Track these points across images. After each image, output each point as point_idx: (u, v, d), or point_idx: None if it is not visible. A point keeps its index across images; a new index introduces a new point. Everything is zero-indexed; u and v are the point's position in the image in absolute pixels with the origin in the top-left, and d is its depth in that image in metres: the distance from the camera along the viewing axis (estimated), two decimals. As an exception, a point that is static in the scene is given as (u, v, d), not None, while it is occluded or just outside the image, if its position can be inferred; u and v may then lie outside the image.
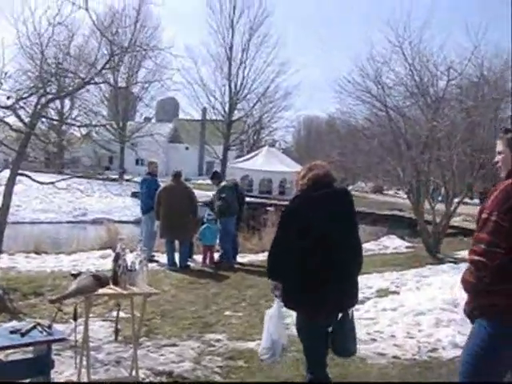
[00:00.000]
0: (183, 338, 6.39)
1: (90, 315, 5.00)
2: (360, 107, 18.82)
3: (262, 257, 11.55)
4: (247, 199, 14.07)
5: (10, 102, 8.26)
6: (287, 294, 4.75)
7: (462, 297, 3.64)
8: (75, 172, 12.83)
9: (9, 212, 8.57)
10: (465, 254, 11.01)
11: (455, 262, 11.96)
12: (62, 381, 4.85)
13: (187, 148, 62.33)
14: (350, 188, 42.07)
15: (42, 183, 9.71)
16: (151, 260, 10.78)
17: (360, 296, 8.11)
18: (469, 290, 3.50)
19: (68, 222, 27.91)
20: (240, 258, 11.94)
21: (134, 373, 4.93)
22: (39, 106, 8.51)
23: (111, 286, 4.69)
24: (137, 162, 52.75)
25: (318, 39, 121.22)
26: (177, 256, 11.02)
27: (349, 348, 4.85)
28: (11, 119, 8.70)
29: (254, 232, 15.77)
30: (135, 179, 34.74)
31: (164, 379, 5.10)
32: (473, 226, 7.11)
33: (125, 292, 4.68)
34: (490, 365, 3.46)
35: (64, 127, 13.14)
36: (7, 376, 4.30)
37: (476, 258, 3.40)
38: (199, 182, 38.07)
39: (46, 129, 12.46)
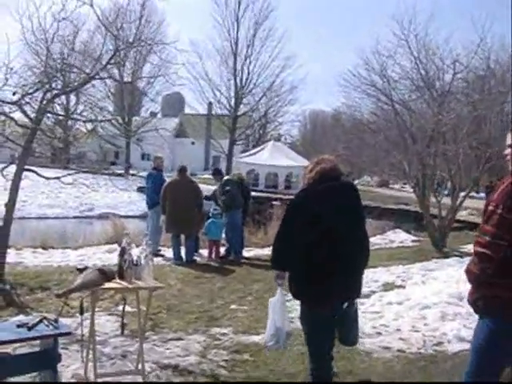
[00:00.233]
0: (189, 331, 6.41)
1: (97, 309, 5.05)
2: (365, 101, 18.83)
3: (268, 251, 11.55)
4: (253, 194, 14.09)
5: (15, 98, 8.28)
6: (292, 283, 4.81)
7: (468, 290, 3.68)
8: (81, 167, 12.81)
9: (15, 207, 8.60)
10: (471, 247, 10.97)
11: (461, 256, 11.96)
12: (68, 374, 4.88)
13: (193, 143, 62.35)
14: (355, 182, 42.04)
15: (48, 178, 9.74)
16: (157, 254, 10.82)
17: (366, 290, 8.24)
18: (472, 281, 3.54)
19: (74, 217, 28.00)
20: (246, 252, 11.96)
21: (139, 366, 4.95)
22: (45, 102, 8.52)
23: (117, 280, 4.72)
24: (142, 156, 52.87)
25: (323, 33, 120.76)
26: (183, 250, 11.05)
27: (351, 338, 4.94)
28: (17, 115, 8.71)
29: (259, 226, 15.79)
30: (141, 174, 34.84)
31: (170, 373, 5.12)
32: (479, 219, 7.09)
33: (130, 286, 4.69)
34: (492, 360, 3.50)
35: (70, 122, 13.16)
36: (15, 369, 4.36)
37: (480, 249, 3.45)
38: (205, 176, 38.05)
39: (52, 124, 12.45)
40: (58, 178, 9.75)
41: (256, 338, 6.07)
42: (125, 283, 4.69)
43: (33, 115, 8.55)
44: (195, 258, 11.20)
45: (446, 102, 15.14)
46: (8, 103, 8.33)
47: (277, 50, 53.75)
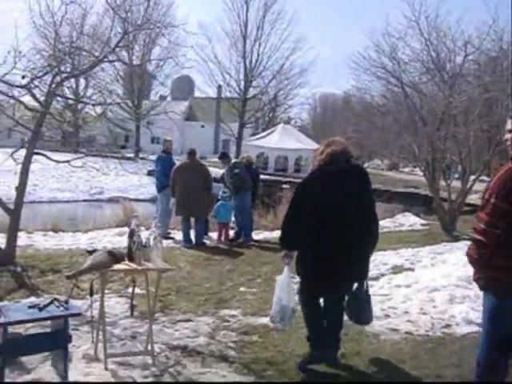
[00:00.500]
0: (198, 313, 6.46)
1: (106, 291, 5.10)
2: (375, 84, 18.71)
3: (277, 234, 11.49)
4: (262, 177, 14.09)
5: (24, 82, 8.30)
6: (299, 264, 4.97)
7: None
8: (91, 151, 12.87)
9: (26, 191, 8.66)
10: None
11: (471, 240, 11.90)
12: (79, 354, 4.94)
13: (203, 126, 62.29)
14: (365, 165, 41.92)
15: (57, 162, 9.79)
16: (167, 237, 10.88)
17: (374, 272, 8.27)
18: (473, 264, 3.76)
19: (84, 201, 28.15)
20: (255, 235, 11.99)
21: (149, 347, 5.01)
22: (54, 85, 8.54)
23: (126, 262, 4.75)
24: (152, 140, 52.86)
25: (333, 15, 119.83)
26: (192, 233, 11.10)
27: (364, 318, 5.25)
28: (26, 98, 8.73)
29: (268, 209, 15.79)
30: (150, 157, 34.89)
31: (179, 353, 5.17)
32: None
33: (139, 268, 4.73)
34: (501, 325, 3.69)
35: (79, 106, 13.19)
36: (27, 349, 4.42)
37: (477, 236, 3.67)
38: (214, 159, 37.96)
39: (62, 108, 12.49)
40: (67, 161, 9.80)
41: (265, 320, 6.09)
42: (134, 265, 4.72)
43: (42, 99, 8.57)
44: (205, 240, 11.24)
45: (457, 84, 15.01)
46: (17, 87, 8.36)
47: (286, 32, 53.60)
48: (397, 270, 8.93)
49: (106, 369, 4.66)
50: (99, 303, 4.83)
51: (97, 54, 8.95)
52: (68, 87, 10.15)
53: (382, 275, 8.52)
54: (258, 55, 54.13)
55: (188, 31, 10.98)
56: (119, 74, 49.35)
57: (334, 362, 5.02)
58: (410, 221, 16.43)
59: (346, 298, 5.17)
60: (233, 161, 11.96)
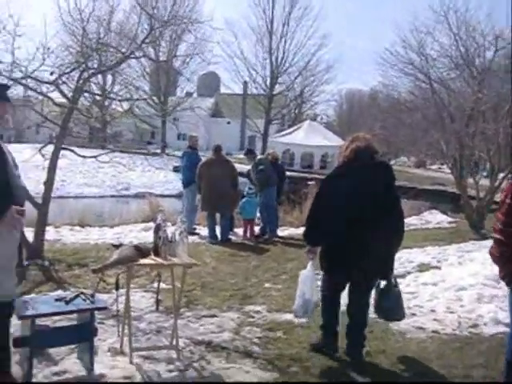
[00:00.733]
0: (223, 309, 6.47)
1: (132, 286, 5.13)
2: (403, 80, 18.55)
3: (302, 230, 11.53)
4: (288, 173, 14.06)
5: (52, 78, 8.39)
6: (322, 259, 5.06)
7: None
8: (117, 146, 12.96)
9: (54, 186, 8.75)
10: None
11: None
12: (105, 347, 4.98)
13: (229, 122, 62.36)
14: (392, 162, 41.55)
15: (85, 157, 9.89)
16: (192, 233, 10.92)
17: (401, 270, 8.21)
18: (496, 262, 3.90)
19: (111, 196, 28.40)
20: (280, 232, 11.97)
21: (174, 342, 5.02)
22: (81, 81, 8.62)
23: (152, 257, 4.77)
24: (178, 136, 53.10)
25: (360, 11, 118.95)
26: (218, 229, 11.12)
27: (394, 315, 5.32)
28: (54, 94, 8.83)
29: (294, 206, 15.75)
30: (176, 153, 35.06)
31: (203, 349, 5.17)
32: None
33: (165, 262, 4.74)
34: None
35: (106, 102, 13.32)
36: (54, 341, 4.50)
37: (496, 235, 3.79)
38: (240, 156, 38.01)
39: (89, 104, 12.61)
40: (94, 156, 9.90)
41: (289, 316, 6.08)
42: (160, 260, 4.73)
43: (70, 95, 8.65)
44: (230, 236, 11.25)
45: (487, 79, 14.79)
46: (46, 83, 8.44)
47: (312, 28, 53.38)
48: (423, 267, 8.84)
49: (131, 362, 4.69)
50: (125, 297, 4.86)
51: (123, 50, 9.00)
52: (95, 83, 10.24)
53: (409, 273, 8.45)
54: (284, 51, 54.02)
55: (214, 27, 11.01)
56: (145, 71, 49.62)
57: (333, 352, 5.13)
58: (436, 218, 16.27)
59: (374, 295, 5.18)
60: (258, 157, 11.96)
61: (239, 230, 11.86)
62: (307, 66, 53.96)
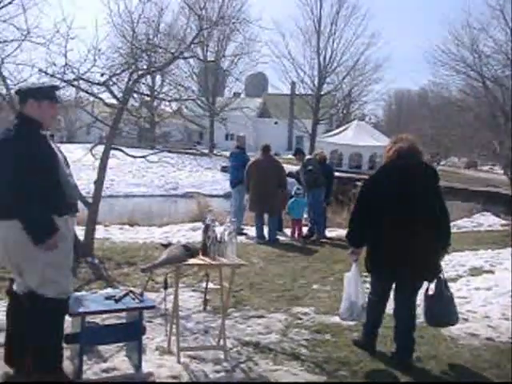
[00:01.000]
0: (271, 310, 6.42)
1: (180, 285, 5.13)
2: (454, 78, 18.14)
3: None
4: (336, 174, 13.94)
5: (103, 79, 8.52)
6: (367, 259, 5.04)
7: None
8: (166, 147, 13.11)
9: (104, 185, 8.88)
10: None
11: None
12: (153, 346, 5.00)
13: (276, 123, 62.28)
14: (441, 163, 40.84)
15: (134, 157, 10.01)
16: (240, 233, 10.92)
17: (452, 274, 8.03)
18: None
19: (159, 196, 28.66)
20: (328, 233, 11.87)
21: (221, 342, 5.01)
22: (131, 82, 8.72)
23: (200, 257, 4.76)
24: (226, 137, 53.30)
25: (409, 8, 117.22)
26: (265, 229, 11.09)
27: (446, 319, 5.21)
28: (104, 95, 8.97)
29: (342, 206, 15.61)
30: (224, 153, 35.25)
31: (251, 349, 5.14)
32: None
33: (214, 262, 4.73)
34: None
35: (155, 102, 13.48)
36: (103, 338, 4.54)
37: None
38: (288, 156, 38.03)
39: (138, 105, 12.77)
40: (144, 156, 10.01)
41: (337, 319, 5.98)
42: (208, 260, 4.72)
43: (119, 95, 8.76)
44: (278, 237, 11.21)
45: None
46: (97, 84, 8.57)
47: (361, 27, 52.69)
48: (475, 271, 8.61)
49: (179, 362, 4.68)
50: (173, 297, 4.86)
51: (173, 50, 9.07)
52: (144, 84, 10.34)
53: (460, 277, 8.25)
54: (332, 51, 53.46)
55: (263, 27, 11.01)
56: (194, 72, 50.08)
57: (370, 352, 5.12)
58: (489, 221, 15.85)
59: (424, 301, 5.08)
60: (306, 157, 11.89)
61: (287, 231, 11.81)
62: (355, 65, 53.32)
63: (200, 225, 11.67)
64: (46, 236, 3.76)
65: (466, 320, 6.27)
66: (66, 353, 4.30)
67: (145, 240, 10.51)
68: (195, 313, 6.05)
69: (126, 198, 25.50)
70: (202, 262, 4.74)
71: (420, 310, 5.21)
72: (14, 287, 4.06)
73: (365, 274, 5.44)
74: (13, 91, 7.22)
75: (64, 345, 4.16)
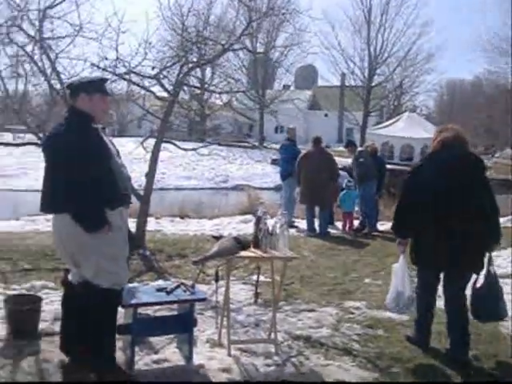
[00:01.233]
0: (322, 303, 6.35)
1: (231, 278, 5.10)
2: (512, 65, 17.54)
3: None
4: (388, 166, 13.70)
5: (154, 72, 8.59)
6: (411, 250, 5.00)
7: None
8: (217, 139, 13.16)
9: (155, 178, 8.96)
10: None
11: None
12: (203, 338, 5.00)
13: (326, 115, 61.89)
14: (496, 155, 39.74)
15: (185, 150, 10.08)
16: (291, 226, 10.86)
17: (503, 271, 7.66)
18: None
19: (210, 189, 28.83)
20: (380, 226, 11.68)
21: (272, 335, 4.97)
22: (181, 75, 8.76)
23: (252, 250, 4.73)
24: (276, 129, 53.32)
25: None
26: (316, 222, 11.00)
27: (494, 314, 5.02)
28: (155, 88, 9.04)
29: (394, 199, 15.33)
30: (274, 146, 35.25)
31: (301, 344, 5.08)
32: None
33: (266, 255, 4.69)
34: None
35: (205, 95, 13.53)
36: (155, 330, 4.58)
37: None
38: (339, 148, 37.77)
39: (188, 98, 12.84)
40: (194, 149, 10.08)
41: (390, 314, 5.87)
42: (260, 252, 4.69)
43: (170, 88, 8.81)
44: (329, 230, 11.11)
45: None
46: (148, 77, 8.64)
47: (412, 16, 52.04)
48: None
49: (229, 355, 4.67)
50: (224, 289, 4.85)
51: (223, 42, 9.06)
52: (194, 76, 10.38)
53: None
54: (383, 41, 52.74)
55: (313, 17, 10.90)
56: (243, 64, 50.16)
57: (424, 348, 5.00)
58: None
59: (471, 297, 4.95)
60: (358, 149, 11.73)
61: (338, 224, 11.69)
62: (407, 55, 52.48)
63: (250, 217, 11.70)
64: (96, 228, 3.78)
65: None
66: (118, 343, 4.34)
67: (195, 232, 10.57)
68: (246, 305, 6.04)
69: (176, 191, 25.73)
70: (253, 255, 4.72)
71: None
72: (70, 277, 4.12)
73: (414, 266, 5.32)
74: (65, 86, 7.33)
75: (116, 335, 4.20)
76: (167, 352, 4.66)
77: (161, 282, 6.32)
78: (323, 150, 11.33)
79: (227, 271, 4.76)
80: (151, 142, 8.96)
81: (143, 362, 4.45)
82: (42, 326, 4.91)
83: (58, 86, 8.41)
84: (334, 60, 53.45)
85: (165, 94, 9.04)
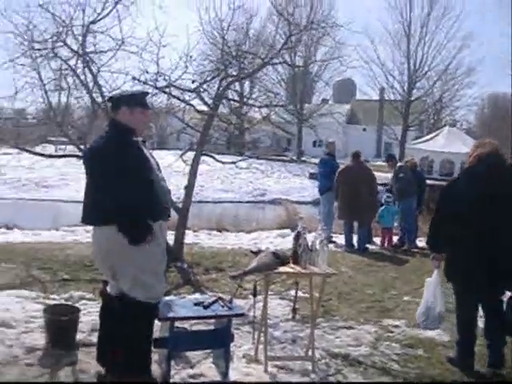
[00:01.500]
0: (360, 321, 6.24)
1: (269, 292, 5.05)
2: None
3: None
4: (428, 181, 13.51)
5: (194, 86, 8.65)
6: (446, 266, 4.90)
7: None
8: (255, 153, 13.19)
9: (193, 191, 8.98)
10: None
11: None
12: (240, 354, 4.95)
13: (364, 129, 61.52)
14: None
15: (224, 163, 10.10)
16: (329, 241, 10.76)
17: None
18: None
19: (247, 202, 28.88)
20: (419, 242, 11.47)
21: (309, 353, 4.89)
22: (221, 88, 8.79)
23: (291, 265, 4.69)
24: (314, 143, 53.19)
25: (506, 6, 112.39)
26: (355, 238, 10.88)
27: None
28: (195, 102, 9.10)
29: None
30: (312, 160, 35.18)
31: (339, 362, 4.99)
32: None
33: (304, 271, 4.63)
34: None
35: (244, 109, 13.58)
36: (191, 344, 4.54)
37: None
38: (378, 163, 37.47)
39: (228, 111, 12.90)
40: (233, 162, 10.10)
41: (431, 333, 5.74)
42: (298, 268, 4.64)
43: (210, 102, 8.85)
44: (367, 245, 10.96)
45: None
46: (188, 91, 8.70)
47: (453, 28, 51.18)
48: None
49: (266, 371, 4.61)
50: (262, 304, 4.80)
51: (262, 56, 9.08)
52: (233, 90, 10.42)
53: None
54: (423, 55, 52.23)
55: (354, 31, 10.88)
56: (282, 78, 50.26)
57: (468, 370, 4.85)
58: None
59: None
60: (398, 164, 11.57)
61: (377, 239, 11.53)
62: (447, 69, 51.81)
63: (288, 231, 11.65)
64: (142, 240, 3.78)
65: None
66: (154, 357, 4.33)
67: (233, 246, 10.55)
68: (283, 321, 5.97)
69: (214, 204, 25.84)
70: (292, 271, 4.66)
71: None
72: (108, 289, 4.13)
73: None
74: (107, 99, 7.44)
75: (152, 349, 4.18)
76: (203, 367, 4.63)
77: (198, 296, 6.29)
78: (362, 164, 11.23)
79: (265, 286, 4.71)
80: (190, 154, 8.99)
81: (179, 376, 4.42)
82: (79, 336, 4.94)
83: (100, 99, 8.53)
84: (373, 74, 53.19)
85: (204, 108, 9.08)
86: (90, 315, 5.50)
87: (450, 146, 38.45)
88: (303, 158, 44.38)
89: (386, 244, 11.19)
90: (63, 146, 12.20)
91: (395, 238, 11.39)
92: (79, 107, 9.96)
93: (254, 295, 4.80)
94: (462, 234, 4.64)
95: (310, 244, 4.70)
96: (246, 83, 30.07)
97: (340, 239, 11.33)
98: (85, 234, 10.35)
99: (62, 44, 8.34)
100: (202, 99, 8.87)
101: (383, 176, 12.90)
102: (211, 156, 9.52)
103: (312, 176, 31.45)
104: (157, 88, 8.40)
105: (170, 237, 8.37)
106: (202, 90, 8.76)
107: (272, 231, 12.58)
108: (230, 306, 4.47)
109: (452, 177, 36.28)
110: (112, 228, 3.75)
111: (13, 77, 8.17)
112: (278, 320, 5.99)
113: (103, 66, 8.54)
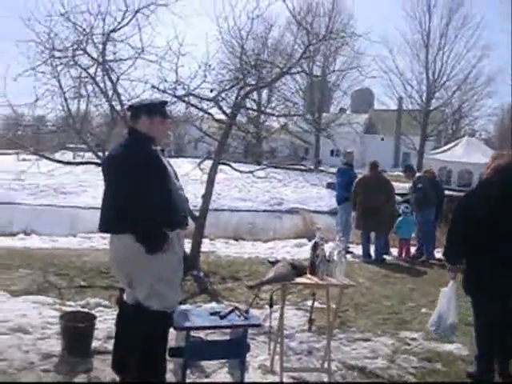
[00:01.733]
0: (377, 333, 6.17)
1: (285, 303, 5.02)
2: None
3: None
4: (446, 192, 13.41)
5: (212, 95, 8.66)
6: (464, 279, 4.82)
7: None
8: (273, 162, 13.18)
9: (211, 199, 8.98)
10: None
11: None
12: (255, 364, 4.92)
13: (382, 139, 61.26)
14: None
15: (241, 172, 10.10)
16: (346, 251, 10.69)
17: None
18: None
19: (264, 211, 28.84)
20: (437, 253, 11.37)
21: (325, 365, 4.85)
22: (239, 97, 8.80)
23: (308, 276, 4.65)
24: (331, 153, 53.07)
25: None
26: (372, 248, 10.80)
27: None
28: (213, 110, 9.11)
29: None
30: (330, 169, 35.07)
31: (356, 374, 4.95)
32: None
33: (321, 282, 4.60)
34: None
35: (262, 118, 13.61)
36: (207, 354, 4.51)
37: None
38: (395, 173, 37.26)
39: (245, 120, 12.91)
40: (251, 171, 10.09)
41: (449, 347, 5.68)
42: (316, 279, 4.60)
43: (228, 111, 8.86)
44: (385, 256, 10.87)
45: None
46: (206, 100, 8.72)
47: (473, 38, 50.99)
48: None
49: (282, 382, 4.58)
50: (279, 315, 4.77)
51: (281, 65, 9.07)
52: (252, 99, 10.42)
53: None
54: (442, 65, 52.08)
55: (373, 41, 10.85)
56: (300, 87, 50.28)
57: None
58: None
59: None
60: (417, 175, 11.49)
61: (394, 250, 11.44)
62: (466, 79, 51.56)
63: (305, 241, 11.61)
64: (158, 248, 3.77)
65: None
66: (170, 366, 4.31)
67: (250, 255, 10.52)
68: (299, 332, 5.93)
69: (231, 213, 25.85)
70: (309, 282, 4.63)
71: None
72: (125, 297, 4.12)
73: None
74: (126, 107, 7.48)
75: (167, 358, 4.16)
76: (218, 376, 4.61)
77: (214, 305, 6.27)
78: (380, 174, 11.16)
79: (282, 297, 4.69)
80: (208, 163, 9.00)
81: (194, 385, 4.41)
82: (95, 343, 4.95)
83: (119, 107, 8.57)
84: (392, 83, 53.12)
85: (222, 117, 9.09)
86: (105, 322, 5.51)
87: (468, 156, 38.19)
88: (321, 168, 44.25)
89: (403, 255, 11.10)
90: (82, 153, 12.28)
91: (413, 249, 11.30)
92: (98, 115, 10.02)
93: (271, 305, 4.76)
94: (478, 247, 4.59)
95: (327, 254, 4.66)
96: (264, 92, 30.17)
97: (357, 249, 11.25)
98: (101, 241, 10.39)
99: (82, 52, 8.41)
100: (220, 108, 8.87)
101: (401, 186, 12.81)
102: (229, 165, 9.53)
103: (329, 186, 31.35)
104: (175, 96, 8.43)
105: (187, 245, 8.37)
106: (220, 98, 8.76)
107: (289, 240, 12.55)
108: (247, 316, 4.45)
109: (470, 187, 36.02)
110: (129, 236, 3.75)
111: (33, 84, 8.24)
112: (294, 331, 5.95)
113: (122, 75, 8.60)
